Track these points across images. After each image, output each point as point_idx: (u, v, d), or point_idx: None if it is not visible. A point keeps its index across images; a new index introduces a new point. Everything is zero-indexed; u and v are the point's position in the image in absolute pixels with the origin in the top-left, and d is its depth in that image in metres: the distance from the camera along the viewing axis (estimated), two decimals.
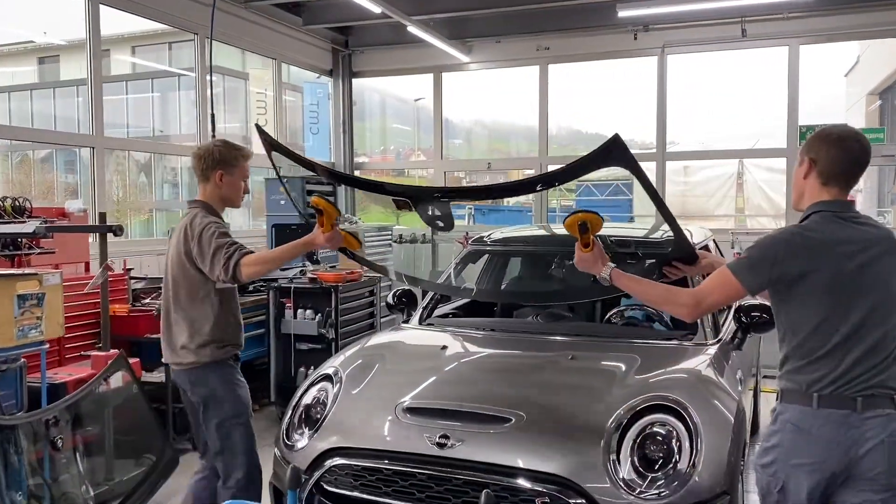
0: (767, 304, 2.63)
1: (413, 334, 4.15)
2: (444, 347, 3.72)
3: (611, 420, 2.89)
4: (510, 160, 11.92)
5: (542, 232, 5.61)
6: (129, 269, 5.72)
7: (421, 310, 4.39)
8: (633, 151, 2.57)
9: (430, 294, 4.52)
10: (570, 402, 3.12)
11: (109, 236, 4.69)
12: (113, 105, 16.47)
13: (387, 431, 3.07)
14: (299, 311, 6.05)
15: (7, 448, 3.47)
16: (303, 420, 3.35)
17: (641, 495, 2.67)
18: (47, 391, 4.16)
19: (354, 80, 10.68)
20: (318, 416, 3.30)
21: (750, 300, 3.64)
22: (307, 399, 3.43)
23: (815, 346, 2.30)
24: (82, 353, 5.01)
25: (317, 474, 3.02)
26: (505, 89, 11.01)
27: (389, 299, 4.55)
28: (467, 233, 7.95)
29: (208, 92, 7.58)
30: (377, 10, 7.85)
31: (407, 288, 4.50)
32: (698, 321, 3.68)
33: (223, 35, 8.12)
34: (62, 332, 4.21)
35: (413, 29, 8.53)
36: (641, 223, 9.19)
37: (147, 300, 5.65)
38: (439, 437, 2.89)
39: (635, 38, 8.91)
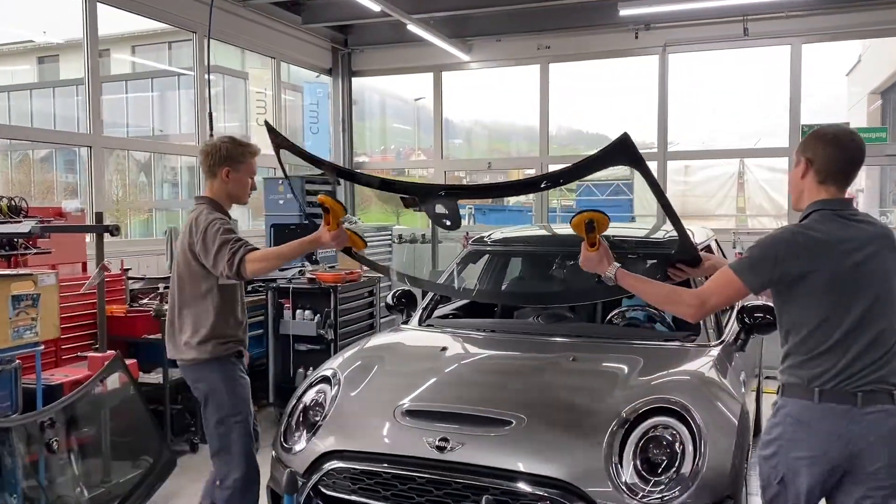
0: (770, 304, 2.65)
1: (412, 335, 4.11)
2: (444, 349, 3.68)
3: (613, 423, 2.85)
4: (511, 160, 11.88)
5: (542, 232, 5.56)
6: (127, 270, 5.68)
7: (420, 311, 4.35)
8: None
9: (429, 295, 4.48)
10: (571, 405, 3.08)
11: (106, 236, 4.66)
12: (113, 105, 16.45)
13: (386, 434, 3.03)
14: (298, 311, 6.01)
15: (1, 450, 3.44)
16: (300, 422, 3.31)
17: (644, 499, 2.63)
18: (43, 393, 4.12)
19: (354, 80, 10.64)
20: (316, 418, 3.27)
21: (753, 301, 3.64)
22: (305, 401, 3.39)
23: (816, 342, 2.34)
24: (79, 354, 4.98)
25: (314, 478, 2.98)
26: (505, 88, 10.98)
27: (389, 300, 4.51)
28: (467, 233, 7.91)
29: (207, 91, 7.55)
30: (377, 8, 7.81)
31: (406, 288, 4.46)
32: (701, 322, 3.65)
33: (222, 34, 8.08)
34: (58, 334, 4.17)
35: (413, 27, 8.49)
36: (642, 223, 9.16)
37: (145, 300, 5.61)
38: (439, 441, 2.85)
39: (636, 37, 8.87)
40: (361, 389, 3.35)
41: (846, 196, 2.48)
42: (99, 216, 4.67)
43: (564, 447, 2.81)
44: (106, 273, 4.65)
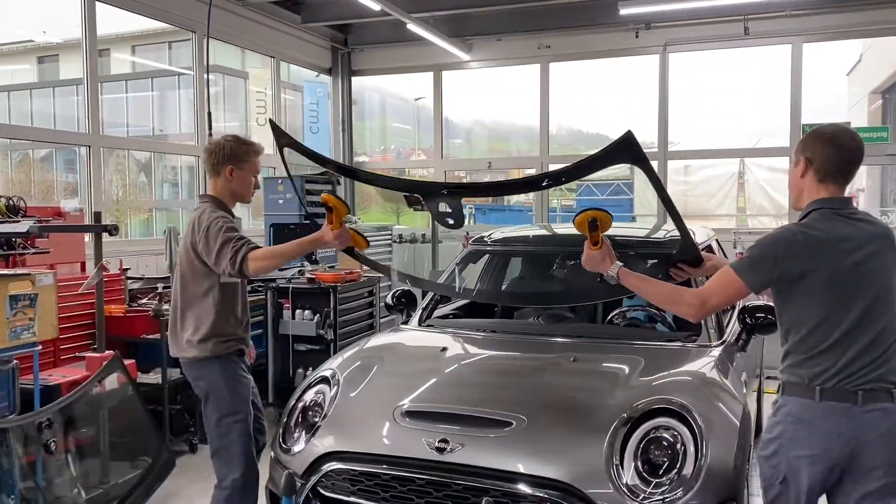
0: (771, 304, 2.65)
1: (412, 336, 4.09)
2: (444, 349, 3.66)
3: (614, 424, 2.83)
4: (511, 159, 11.85)
5: (543, 232, 5.54)
6: (126, 269, 5.67)
7: (420, 311, 4.33)
8: None
9: (429, 295, 4.46)
10: (571, 406, 3.06)
11: (105, 236, 4.64)
12: (113, 104, 16.43)
13: (385, 435, 3.01)
14: (297, 311, 5.99)
15: None
16: (299, 423, 3.29)
17: (645, 501, 2.61)
18: (41, 393, 4.10)
19: (354, 79, 10.62)
20: (315, 419, 3.24)
21: (754, 301, 3.62)
22: (304, 402, 3.37)
23: (817, 341, 2.36)
24: (77, 354, 4.95)
25: (313, 479, 2.95)
26: (505, 88, 10.95)
27: (388, 300, 4.49)
28: (468, 232, 7.88)
29: (206, 90, 7.53)
30: (376, 7, 7.79)
31: (406, 288, 4.44)
32: (702, 322, 3.63)
33: (221, 33, 8.07)
34: (56, 334, 4.15)
35: (413, 27, 8.47)
36: (643, 223, 9.14)
37: (144, 300, 5.59)
38: (439, 442, 2.83)
39: (637, 36, 8.86)
40: (361, 390, 3.32)
41: (846, 195, 2.49)
42: (97, 216, 4.65)
43: (565, 448, 2.79)
44: (104, 273, 4.63)
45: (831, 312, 2.34)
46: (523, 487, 2.68)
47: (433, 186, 3.37)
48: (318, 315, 5.95)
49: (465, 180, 12.50)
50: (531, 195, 11.46)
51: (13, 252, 4.60)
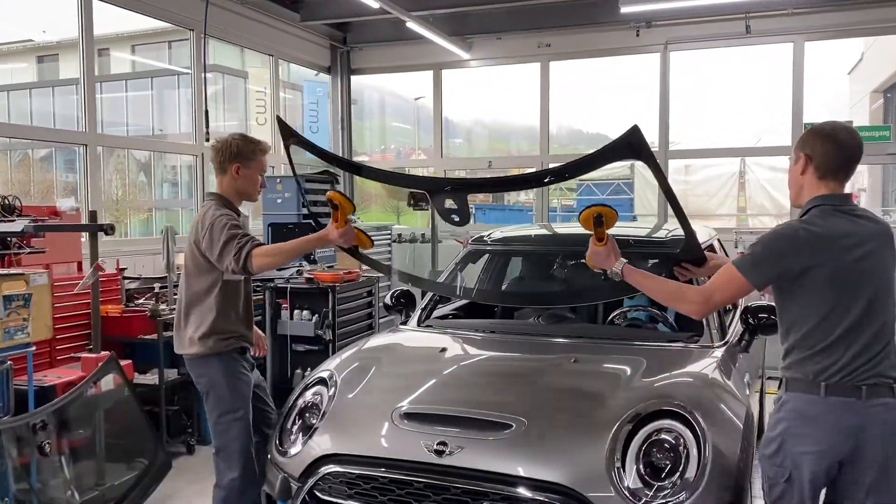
0: (774, 304, 2.67)
1: (411, 336, 4.04)
2: (443, 350, 3.62)
3: (615, 426, 2.78)
4: (511, 158, 11.81)
5: (543, 231, 5.50)
6: (123, 269, 5.63)
7: (419, 311, 4.29)
8: None
9: (428, 295, 4.42)
10: (572, 408, 3.02)
11: (101, 235, 4.60)
12: (113, 104, 16.41)
13: (383, 438, 2.96)
14: (296, 311, 5.95)
15: None
16: (296, 425, 3.24)
17: None
18: (35, 394, 4.06)
19: (353, 78, 10.57)
20: (313, 420, 3.20)
21: (757, 301, 3.59)
22: (301, 403, 3.33)
23: (819, 338, 2.37)
24: (73, 354, 4.91)
25: (310, 482, 2.91)
26: (505, 87, 10.92)
27: (387, 300, 4.45)
28: (468, 232, 7.83)
29: (204, 89, 7.50)
30: (376, 5, 7.75)
31: (405, 288, 4.41)
32: (704, 323, 3.61)
33: (220, 31, 8.04)
34: (50, 334, 4.11)
35: (412, 25, 8.43)
36: (643, 222, 9.10)
37: (141, 300, 5.55)
38: (437, 444, 2.78)
39: (638, 35, 8.80)
40: (359, 391, 3.28)
41: (847, 192, 2.51)
42: (93, 215, 4.60)
43: (566, 451, 2.74)
44: (100, 273, 4.59)
45: (834, 309, 2.35)
46: (523, 491, 2.63)
47: (438, 182, 3.34)
48: (316, 315, 5.91)
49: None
50: (531, 195, 11.43)
51: (8, 252, 4.56)
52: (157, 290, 5.58)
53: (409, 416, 2.99)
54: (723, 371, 3.24)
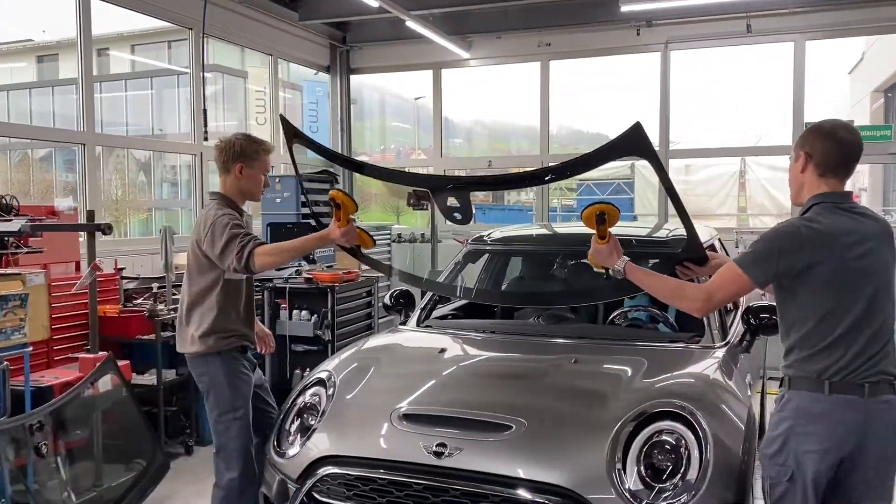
0: (774, 304, 2.65)
1: (410, 336, 4.02)
2: (443, 350, 3.59)
3: (616, 427, 2.76)
4: (511, 158, 11.78)
5: (543, 231, 5.47)
6: (121, 269, 5.60)
7: (419, 311, 4.26)
8: None
9: (428, 295, 4.39)
10: (573, 409, 3.00)
11: (99, 235, 4.57)
12: (113, 103, 16.39)
13: (382, 439, 2.94)
14: (295, 311, 5.93)
15: None
16: (294, 426, 3.22)
17: None
18: (32, 395, 4.04)
19: (353, 77, 10.55)
20: (311, 422, 3.17)
21: (759, 301, 3.56)
22: (299, 404, 3.30)
23: (821, 336, 2.37)
24: (71, 355, 4.89)
25: (308, 483, 2.88)
26: (505, 86, 10.88)
27: (386, 300, 4.42)
28: (469, 231, 7.80)
29: (202, 88, 7.47)
30: (375, 4, 7.72)
31: (405, 288, 4.39)
32: (706, 323, 3.58)
33: (218, 30, 8.02)
34: (47, 335, 4.09)
35: (412, 24, 8.40)
36: (644, 222, 9.07)
37: (139, 300, 5.52)
38: (436, 446, 2.76)
39: (638, 34, 8.78)
40: (357, 392, 3.26)
41: (847, 190, 2.52)
42: (91, 214, 4.57)
43: (566, 453, 2.72)
44: (98, 273, 4.56)
45: (836, 306, 2.36)
46: (523, 493, 2.61)
47: (441, 180, 3.32)
48: (315, 315, 5.88)
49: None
50: (532, 195, 11.40)
51: (5, 251, 4.53)
52: (155, 290, 5.55)
53: (408, 417, 2.97)
54: (724, 372, 3.22)
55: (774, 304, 2.66)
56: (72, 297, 4.92)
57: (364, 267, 6.35)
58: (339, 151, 10.55)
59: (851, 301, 2.36)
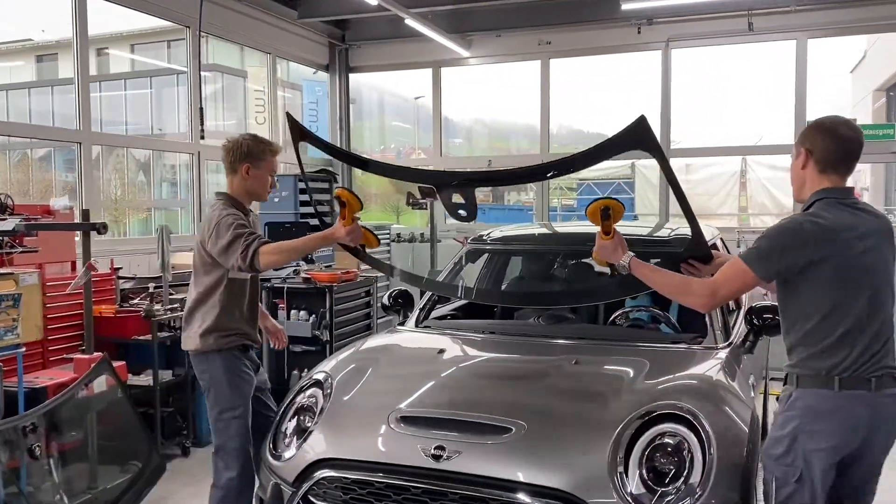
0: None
1: (409, 337, 3.97)
2: (442, 351, 3.54)
3: (617, 430, 2.71)
4: (511, 157, 11.72)
5: (543, 230, 5.42)
6: (117, 269, 5.55)
7: (418, 311, 4.22)
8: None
9: (427, 295, 4.34)
10: (573, 411, 2.95)
11: (96, 235, 4.53)
12: (112, 103, 16.35)
13: (379, 442, 2.90)
14: (293, 311, 5.89)
15: None
16: (291, 428, 3.17)
17: None
18: (26, 396, 3.99)
19: (352, 76, 10.50)
20: (307, 424, 3.13)
21: (761, 301, 3.52)
22: (295, 406, 3.26)
23: (825, 333, 2.38)
24: (66, 355, 4.84)
25: (304, 487, 2.84)
26: (505, 85, 10.83)
27: (385, 300, 4.38)
28: (470, 230, 7.76)
29: (199, 87, 7.43)
30: (374, 2, 7.68)
31: (403, 288, 4.35)
32: (708, 324, 3.54)
33: (217, 29, 7.98)
34: (40, 335, 4.04)
35: (411, 22, 8.35)
36: (645, 222, 9.03)
37: (135, 300, 5.48)
38: (435, 449, 2.71)
39: (639, 32, 8.73)
40: (354, 394, 3.21)
41: (848, 186, 2.54)
42: (86, 213, 4.53)
43: (566, 456, 2.67)
44: (93, 272, 4.52)
45: (839, 303, 2.37)
46: (523, 497, 2.56)
47: (446, 175, 3.29)
48: (313, 315, 5.84)
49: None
50: (532, 194, 11.36)
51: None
52: (151, 290, 5.51)
53: (406, 419, 2.92)
54: (727, 373, 3.17)
55: (776, 303, 2.64)
56: (67, 298, 4.87)
57: (363, 267, 6.31)
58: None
59: (853, 298, 2.37)
